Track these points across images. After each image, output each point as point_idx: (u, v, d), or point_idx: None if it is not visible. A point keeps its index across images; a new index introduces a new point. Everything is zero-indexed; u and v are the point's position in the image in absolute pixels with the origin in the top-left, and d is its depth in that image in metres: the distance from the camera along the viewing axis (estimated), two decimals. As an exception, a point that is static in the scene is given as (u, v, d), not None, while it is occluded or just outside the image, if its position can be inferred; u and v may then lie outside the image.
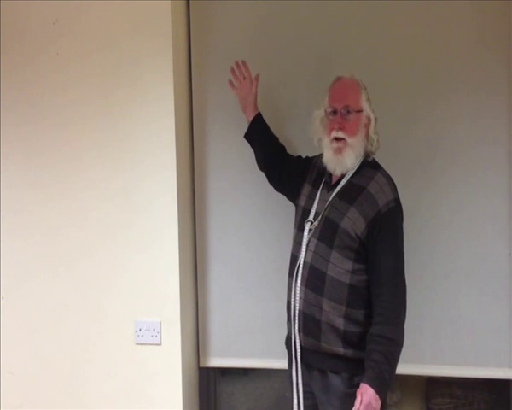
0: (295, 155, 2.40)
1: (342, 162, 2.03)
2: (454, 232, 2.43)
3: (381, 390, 1.90)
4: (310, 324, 2.02)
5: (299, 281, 2.04)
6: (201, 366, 2.65)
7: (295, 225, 2.17)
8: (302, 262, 2.04)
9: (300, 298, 2.04)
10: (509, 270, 2.38)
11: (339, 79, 2.13)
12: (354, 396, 1.92)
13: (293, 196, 2.26)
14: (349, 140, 2.03)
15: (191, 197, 2.62)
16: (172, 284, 2.44)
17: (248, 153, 2.46)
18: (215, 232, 2.60)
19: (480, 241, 2.41)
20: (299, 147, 2.44)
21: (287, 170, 2.30)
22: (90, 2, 2.48)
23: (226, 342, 2.53)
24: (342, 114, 2.04)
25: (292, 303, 2.07)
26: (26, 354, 2.57)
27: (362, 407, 1.88)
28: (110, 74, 2.47)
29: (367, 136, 2.06)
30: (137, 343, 2.47)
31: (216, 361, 2.61)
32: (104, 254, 2.50)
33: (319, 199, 2.09)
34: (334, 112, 2.06)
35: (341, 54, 2.50)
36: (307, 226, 2.05)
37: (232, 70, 2.42)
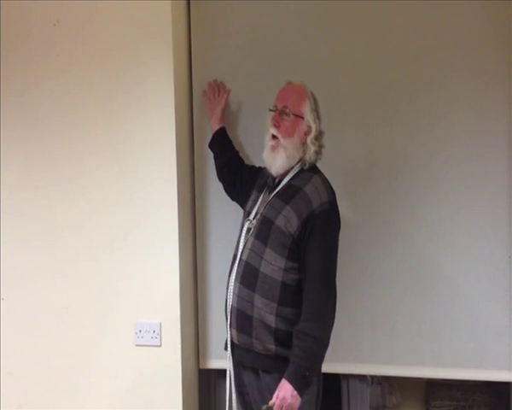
0: None
1: (275, 159, 2.10)
2: (454, 235, 2.43)
3: (299, 386, 1.93)
4: (242, 320, 2.07)
5: (233, 277, 2.10)
6: (201, 367, 2.65)
7: (239, 228, 2.23)
8: (238, 259, 2.11)
9: (234, 293, 2.09)
10: (509, 273, 2.38)
11: (289, 83, 2.20)
12: None
13: (243, 203, 2.31)
14: (282, 140, 2.09)
15: (191, 200, 2.62)
16: (172, 286, 2.44)
17: (249, 155, 2.46)
18: (215, 235, 2.61)
19: (480, 244, 2.41)
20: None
21: (240, 179, 2.38)
22: (90, 3, 2.47)
23: (226, 344, 2.53)
24: (280, 113, 2.11)
25: (227, 301, 2.13)
26: (26, 355, 2.56)
27: (277, 401, 1.92)
28: (111, 76, 2.47)
29: (305, 143, 2.10)
30: (137, 345, 2.47)
31: (216, 363, 2.60)
32: (104, 256, 2.49)
33: (261, 201, 2.17)
34: (276, 109, 2.13)
35: (342, 54, 2.51)
36: (246, 225, 2.13)
37: (210, 84, 2.50)
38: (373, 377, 2.61)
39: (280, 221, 2.04)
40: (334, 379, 2.61)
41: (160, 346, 2.46)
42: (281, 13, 2.55)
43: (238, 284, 2.09)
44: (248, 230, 2.13)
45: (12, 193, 2.56)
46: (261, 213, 2.11)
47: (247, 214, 2.21)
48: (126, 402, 2.49)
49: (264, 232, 2.07)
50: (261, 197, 2.18)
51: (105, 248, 2.49)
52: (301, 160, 2.12)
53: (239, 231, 2.21)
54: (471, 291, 2.42)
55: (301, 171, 2.12)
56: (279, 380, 1.99)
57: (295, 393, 1.92)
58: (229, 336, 2.13)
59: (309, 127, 2.11)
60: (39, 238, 2.55)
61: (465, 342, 2.44)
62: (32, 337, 2.56)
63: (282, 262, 2.03)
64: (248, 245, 2.10)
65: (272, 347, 2.04)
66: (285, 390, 1.92)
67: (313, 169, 2.15)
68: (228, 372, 2.17)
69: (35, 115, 2.53)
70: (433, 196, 2.44)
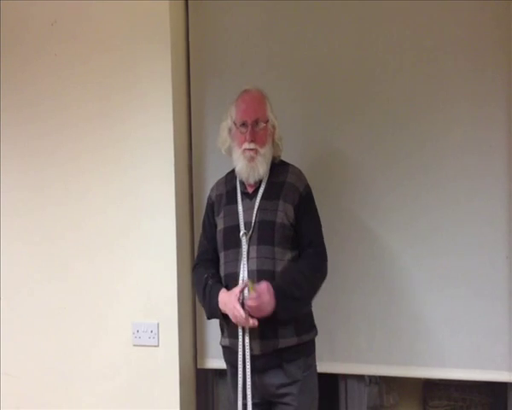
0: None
1: (255, 170, 2.12)
2: (452, 235, 2.43)
3: (278, 299, 1.97)
4: (266, 326, 2.03)
5: (246, 291, 2.02)
6: (199, 367, 2.65)
7: (222, 248, 2.15)
8: (246, 273, 2.06)
9: None
10: (507, 273, 2.38)
11: (246, 91, 2.19)
12: (308, 379, 2.08)
13: (215, 232, 2.22)
14: (260, 150, 2.12)
15: (189, 200, 2.62)
16: (170, 286, 2.44)
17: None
18: (213, 234, 2.60)
19: (478, 244, 2.40)
20: (294, 148, 2.44)
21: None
22: (88, 2, 2.48)
23: (224, 344, 2.53)
24: (253, 127, 2.11)
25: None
26: (24, 355, 2.57)
27: (256, 294, 1.95)
28: (108, 76, 2.47)
29: (273, 142, 2.18)
30: (135, 345, 2.48)
31: (213, 363, 2.61)
32: (102, 256, 2.50)
33: (244, 209, 2.14)
34: (244, 124, 2.12)
35: (340, 55, 2.51)
36: (243, 239, 2.09)
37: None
38: (371, 377, 2.60)
39: (280, 218, 2.08)
40: (332, 379, 2.61)
41: (157, 346, 2.46)
42: (279, 13, 2.55)
43: None
44: (245, 241, 2.09)
45: (10, 193, 2.57)
46: (255, 221, 2.10)
47: (228, 231, 2.14)
48: (124, 402, 2.49)
49: (267, 235, 2.08)
50: (240, 207, 2.14)
51: (103, 248, 2.50)
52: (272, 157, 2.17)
53: (225, 251, 2.12)
54: (469, 291, 2.42)
55: (273, 168, 2.17)
56: (303, 364, 2.08)
57: (272, 301, 1.96)
58: (249, 349, 2.03)
59: (273, 126, 2.17)
60: (37, 238, 2.56)
61: (463, 342, 2.43)
62: (30, 338, 2.57)
63: (289, 254, 2.10)
64: (253, 254, 2.07)
65: (294, 339, 2.07)
66: (267, 290, 1.96)
67: (283, 162, 2.21)
68: (243, 385, 2.06)
69: (32, 115, 2.54)
70: (431, 195, 2.43)
